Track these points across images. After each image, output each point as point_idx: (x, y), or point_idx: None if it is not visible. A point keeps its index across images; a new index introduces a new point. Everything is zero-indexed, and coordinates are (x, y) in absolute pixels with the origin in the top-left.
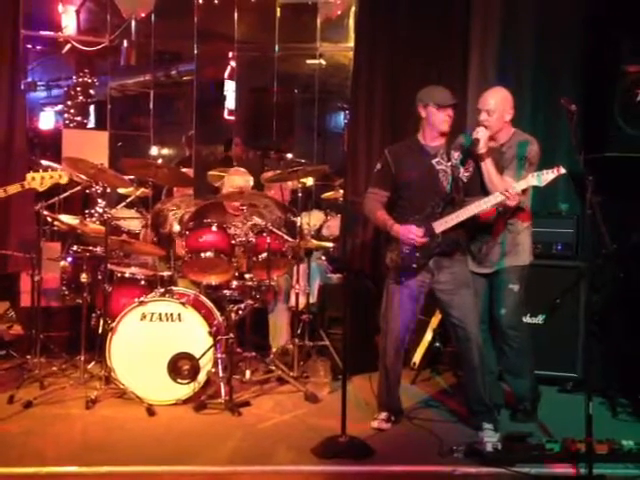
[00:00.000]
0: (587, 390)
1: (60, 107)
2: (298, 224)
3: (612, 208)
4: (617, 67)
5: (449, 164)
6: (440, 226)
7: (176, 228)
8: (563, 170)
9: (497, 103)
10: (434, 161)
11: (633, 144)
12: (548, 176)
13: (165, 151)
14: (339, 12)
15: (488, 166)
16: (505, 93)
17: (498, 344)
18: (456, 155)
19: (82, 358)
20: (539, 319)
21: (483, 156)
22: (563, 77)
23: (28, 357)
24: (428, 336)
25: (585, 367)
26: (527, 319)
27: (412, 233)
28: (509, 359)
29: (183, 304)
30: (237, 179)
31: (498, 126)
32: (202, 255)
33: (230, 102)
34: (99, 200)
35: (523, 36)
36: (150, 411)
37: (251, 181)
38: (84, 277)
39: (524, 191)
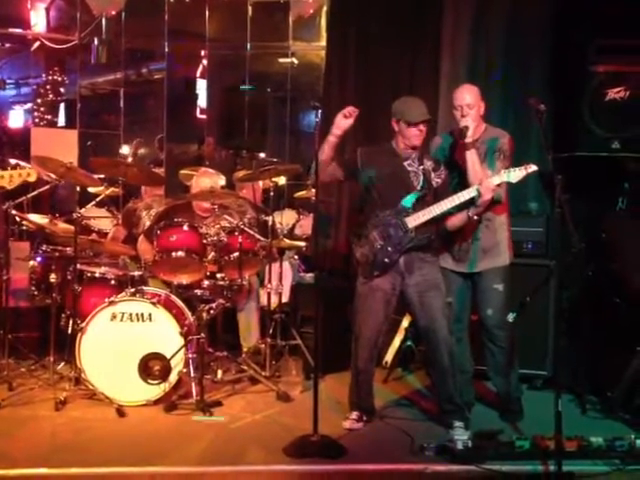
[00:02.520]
0: (556, 387)
1: (29, 105)
2: (270, 223)
3: (581, 207)
4: (585, 67)
5: (421, 167)
6: (413, 221)
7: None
8: (534, 167)
9: (473, 97)
10: (405, 163)
11: (602, 143)
12: (519, 173)
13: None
14: (311, 11)
15: (473, 156)
16: (477, 88)
17: (485, 344)
18: (429, 163)
19: (51, 359)
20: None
21: (469, 145)
22: (533, 76)
23: None
24: (400, 335)
25: (554, 364)
26: None
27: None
28: (496, 359)
29: (154, 304)
30: (205, 180)
31: (477, 120)
32: (173, 254)
33: (202, 101)
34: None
35: (493, 35)
36: (120, 412)
37: (221, 181)
38: (53, 277)
39: (498, 185)
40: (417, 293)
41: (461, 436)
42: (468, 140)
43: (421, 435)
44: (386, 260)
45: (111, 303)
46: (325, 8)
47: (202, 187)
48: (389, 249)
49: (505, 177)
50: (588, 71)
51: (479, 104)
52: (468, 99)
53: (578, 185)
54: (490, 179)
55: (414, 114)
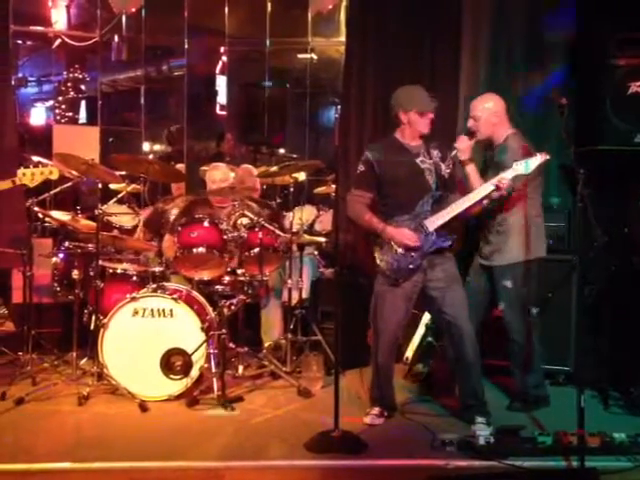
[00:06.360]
0: (579, 383)
1: (51, 103)
2: (290, 219)
3: (604, 201)
4: (607, 60)
5: (431, 161)
6: (433, 224)
7: None
8: (547, 156)
9: (482, 109)
10: (418, 160)
11: (624, 137)
12: (533, 163)
13: (157, 147)
14: (330, 6)
15: (470, 172)
16: (491, 100)
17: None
18: (435, 153)
19: (74, 354)
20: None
21: (465, 162)
22: (554, 70)
23: (20, 354)
24: (420, 331)
25: (577, 360)
26: None
27: (407, 238)
28: (513, 351)
29: (175, 300)
30: (216, 173)
31: (487, 130)
32: (194, 251)
33: (222, 97)
34: None
35: (514, 29)
36: (142, 407)
37: (232, 174)
38: (76, 273)
39: (514, 179)
40: (439, 288)
41: (483, 432)
42: (463, 158)
43: (442, 430)
44: (411, 266)
45: (133, 299)
46: (344, 3)
47: (212, 180)
48: (412, 254)
49: (520, 169)
50: (610, 64)
51: (490, 114)
52: (476, 111)
53: (600, 179)
54: (504, 173)
55: (425, 103)
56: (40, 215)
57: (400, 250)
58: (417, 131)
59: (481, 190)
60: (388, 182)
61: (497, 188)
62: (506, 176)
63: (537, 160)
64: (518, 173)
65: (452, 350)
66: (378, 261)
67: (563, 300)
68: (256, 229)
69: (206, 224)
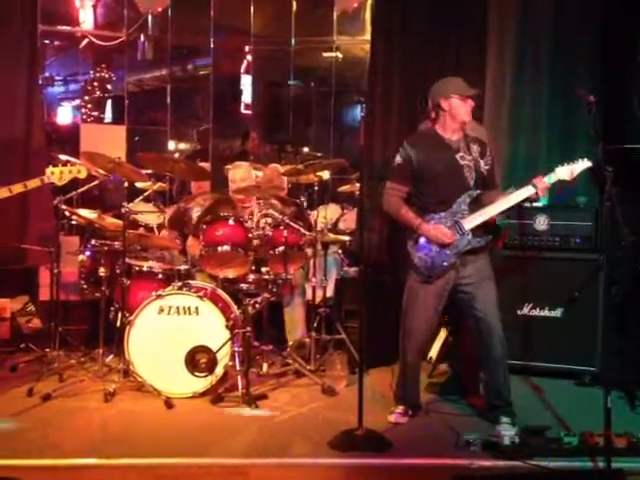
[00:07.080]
0: (605, 383)
1: (77, 102)
2: (314, 218)
3: (631, 200)
4: (634, 58)
5: (471, 157)
6: (469, 224)
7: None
8: (589, 163)
9: None
10: (458, 156)
11: None
12: (577, 169)
13: (182, 145)
14: (355, 5)
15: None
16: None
17: None
18: (475, 148)
19: (100, 351)
20: (557, 312)
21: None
22: (582, 68)
23: (47, 350)
24: (445, 330)
25: (603, 360)
26: (545, 312)
27: (442, 234)
28: None
29: (200, 297)
30: (237, 172)
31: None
32: (219, 249)
33: (247, 96)
34: None
35: (540, 27)
36: (168, 404)
37: (255, 172)
38: (102, 271)
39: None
40: (471, 285)
41: (508, 431)
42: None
43: (467, 430)
44: (445, 264)
45: (159, 296)
46: (370, 1)
47: (232, 179)
48: (447, 252)
49: (563, 175)
50: (637, 63)
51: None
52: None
53: (628, 178)
54: (545, 177)
55: (465, 88)
56: (67, 213)
57: (435, 247)
58: (459, 119)
59: (520, 193)
60: (426, 178)
61: (536, 192)
62: (547, 180)
63: (581, 166)
64: (560, 178)
65: (480, 348)
66: (413, 258)
67: (590, 300)
68: (281, 227)
69: (231, 222)
